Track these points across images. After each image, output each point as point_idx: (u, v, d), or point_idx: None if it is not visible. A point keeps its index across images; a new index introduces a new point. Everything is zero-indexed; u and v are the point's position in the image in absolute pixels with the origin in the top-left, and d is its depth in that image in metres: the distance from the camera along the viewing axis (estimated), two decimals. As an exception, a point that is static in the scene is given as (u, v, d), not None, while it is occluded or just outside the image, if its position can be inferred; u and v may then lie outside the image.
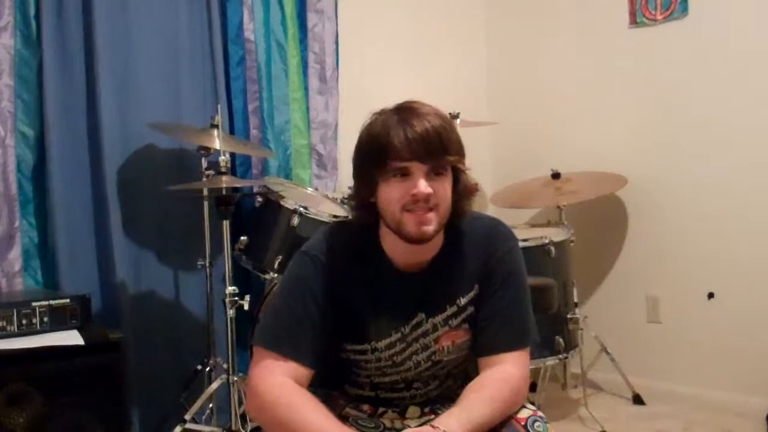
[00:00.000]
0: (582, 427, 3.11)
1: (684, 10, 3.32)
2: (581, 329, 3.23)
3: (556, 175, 3.47)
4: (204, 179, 2.73)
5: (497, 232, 1.58)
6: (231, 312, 2.57)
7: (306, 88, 3.32)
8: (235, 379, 2.58)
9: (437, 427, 1.34)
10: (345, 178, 3.14)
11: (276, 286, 2.58)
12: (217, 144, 2.68)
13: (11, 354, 2.09)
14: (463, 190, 1.51)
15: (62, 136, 2.69)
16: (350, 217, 1.60)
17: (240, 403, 2.57)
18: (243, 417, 2.55)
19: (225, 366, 2.65)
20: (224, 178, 2.56)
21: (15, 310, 2.19)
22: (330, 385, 1.63)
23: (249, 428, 2.54)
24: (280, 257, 2.67)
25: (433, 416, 1.57)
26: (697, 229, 3.32)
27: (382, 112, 1.48)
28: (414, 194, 1.41)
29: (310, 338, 1.47)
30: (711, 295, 3.27)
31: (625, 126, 3.56)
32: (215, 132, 2.73)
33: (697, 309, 3.31)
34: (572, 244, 3.25)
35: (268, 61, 3.19)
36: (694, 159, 3.31)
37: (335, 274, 1.50)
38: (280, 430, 1.42)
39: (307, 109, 3.31)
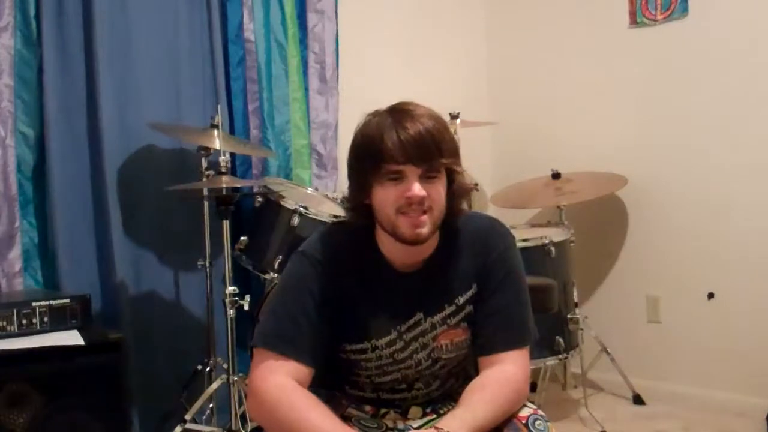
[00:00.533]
0: (582, 427, 3.11)
1: (684, 10, 3.32)
2: (581, 329, 3.24)
3: (556, 175, 3.47)
4: (204, 179, 2.73)
5: (494, 231, 1.58)
6: (231, 312, 2.57)
7: (306, 88, 3.31)
8: (235, 379, 2.58)
9: (441, 429, 1.34)
10: (345, 178, 3.13)
11: (275, 286, 2.58)
12: (217, 144, 2.68)
13: (11, 354, 2.09)
14: (458, 191, 1.51)
15: (62, 136, 2.68)
16: (346, 218, 1.60)
17: (240, 403, 2.57)
18: (243, 417, 2.55)
19: (225, 366, 2.65)
20: (224, 178, 2.56)
21: (15, 310, 2.19)
22: (331, 387, 1.63)
23: (249, 428, 2.54)
24: (280, 257, 2.67)
25: (435, 416, 1.57)
26: (697, 229, 3.32)
27: (377, 114, 1.48)
28: (408, 197, 1.41)
29: (309, 337, 1.47)
30: (711, 295, 3.27)
31: (625, 126, 3.56)
32: (215, 132, 2.73)
33: (697, 309, 3.31)
34: (572, 244, 3.26)
35: (268, 62, 3.19)
36: (695, 159, 3.31)
37: (333, 274, 1.51)
38: (282, 430, 1.42)
39: (308, 109, 3.31)
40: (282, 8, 3.22)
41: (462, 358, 1.59)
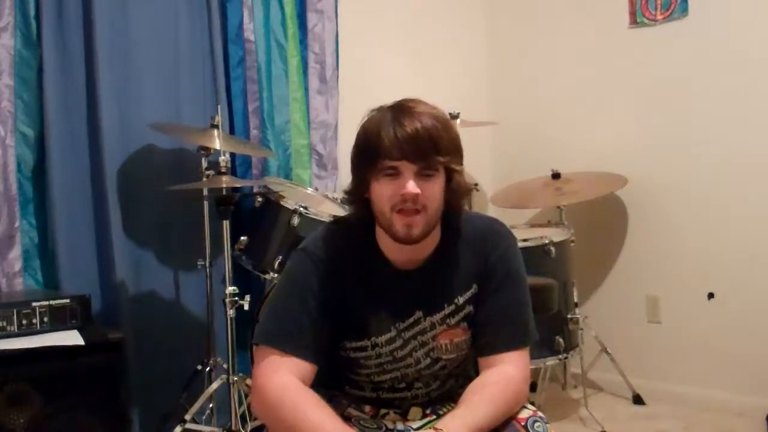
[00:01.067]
0: (582, 427, 3.11)
1: (684, 10, 3.32)
2: (581, 329, 3.24)
3: (556, 175, 3.47)
4: (204, 179, 2.73)
5: (495, 231, 1.58)
6: (231, 312, 2.57)
7: (306, 88, 3.32)
8: (235, 379, 2.58)
9: (441, 429, 1.35)
10: (345, 178, 3.13)
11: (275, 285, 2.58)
12: (217, 144, 2.68)
13: (11, 354, 2.09)
14: (457, 190, 1.50)
15: (62, 136, 2.68)
16: (348, 212, 1.60)
17: (240, 403, 2.57)
18: (243, 417, 2.55)
19: (225, 366, 2.65)
20: (224, 178, 2.56)
21: (15, 310, 2.19)
22: (331, 387, 1.63)
23: (249, 428, 2.54)
24: (280, 257, 2.67)
25: (434, 417, 1.57)
26: (697, 229, 3.32)
27: (380, 109, 1.49)
28: (402, 194, 1.41)
29: (310, 334, 1.47)
30: (711, 295, 3.27)
31: (625, 126, 3.57)
32: (215, 132, 2.73)
33: (697, 309, 3.31)
34: (572, 244, 3.26)
35: (268, 62, 3.19)
36: (694, 159, 3.31)
37: (333, 271, 1.51)
38: (285, 429, 1.42)
39: (307, 109, 3.31)
40: (282, 8, 3.22)
41: (462, 359, 1.59)
